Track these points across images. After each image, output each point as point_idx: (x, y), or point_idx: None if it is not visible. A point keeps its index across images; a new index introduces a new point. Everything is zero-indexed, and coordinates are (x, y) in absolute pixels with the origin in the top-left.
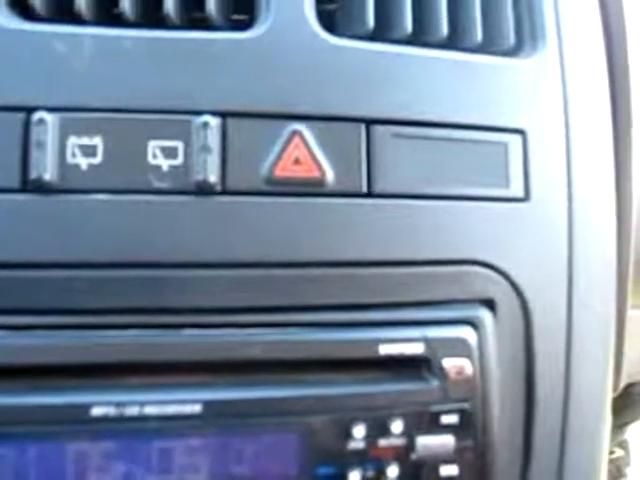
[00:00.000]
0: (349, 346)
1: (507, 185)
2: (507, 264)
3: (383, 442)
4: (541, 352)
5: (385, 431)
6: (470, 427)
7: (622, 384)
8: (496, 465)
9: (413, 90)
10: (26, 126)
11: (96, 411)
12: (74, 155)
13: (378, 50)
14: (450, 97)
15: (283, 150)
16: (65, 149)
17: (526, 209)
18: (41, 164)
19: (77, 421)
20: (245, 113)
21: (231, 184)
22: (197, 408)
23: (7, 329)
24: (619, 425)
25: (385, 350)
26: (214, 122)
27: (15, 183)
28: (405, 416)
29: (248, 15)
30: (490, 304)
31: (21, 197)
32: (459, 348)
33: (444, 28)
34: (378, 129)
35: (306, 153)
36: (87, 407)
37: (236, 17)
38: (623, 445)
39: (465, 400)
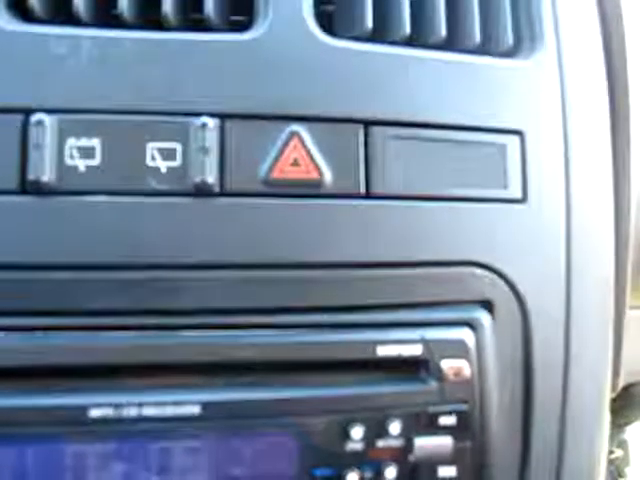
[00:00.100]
0: (347, 347)
1: (505, 186)
2: (505, 265)
3: (381, 443)
4: (539, 353)
5: (383, 432)
6: (468, 428)
7: (621, 384)
8: (494, 466)
9: (411, 91)
10: (24, 128)
11: (94, 412)
12: (72, 157)
13: (376, 51)
14: (448, 98)
15: (281, 151)
16: (63, 151)
17: (524, 210)
18: (39, 166)
19: (75, 422)
20: (243, 115)
21: (229, 185)
22: (195, 409)
23: (5, 330)
24: (618, 425)
25: (383, 351)
26: (212, 124)
27: (13, 185)
28: (403, 417)
29: (246, 16)
30: (488, 305)
31: (19, 199)
32: (457, 349)
33: (442, 29)
34: (376, 130)
35: (304, 154)
36: (85, 409)
37: (234, 18)
38: (622, 445)
39: (463, 401)
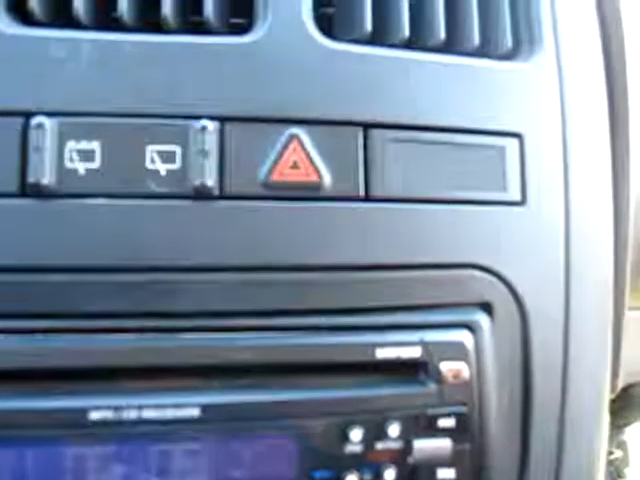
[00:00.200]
0: (346, 350)
1: (504, 189)
2: (504, 268)
3: (380, 446)
4: (538, 355)
5: (382, 435)
6: (467, 430)
7: (620, 385)
8: (493, 468)
9: (410, 94)
10: (24, 131)
11: (94, 415)
12: (72, 160)
13: (375, 54)
14: (447, 101)
15: (281, 154)
16: (63, 154)
17: (523, 213)
18: (39, 169)
19: (75, 425)
20: (243, 117)
21: (229, 188)
22: (195, 412)
23: (5, 333)
24: (618, 426)
25: (382, 354)
26: (212, 126)
27: (13, 187)
28: (402, 419)
29: (246, 19)
30: (487, 308)
31: (19, 201)
32: (456, 352)
33: (441, 32)
34: (375, 133)
35: (304, 157)
36: (85, 411)
37: (234, 21)
38: (622, 446)
39: (462, 403)
